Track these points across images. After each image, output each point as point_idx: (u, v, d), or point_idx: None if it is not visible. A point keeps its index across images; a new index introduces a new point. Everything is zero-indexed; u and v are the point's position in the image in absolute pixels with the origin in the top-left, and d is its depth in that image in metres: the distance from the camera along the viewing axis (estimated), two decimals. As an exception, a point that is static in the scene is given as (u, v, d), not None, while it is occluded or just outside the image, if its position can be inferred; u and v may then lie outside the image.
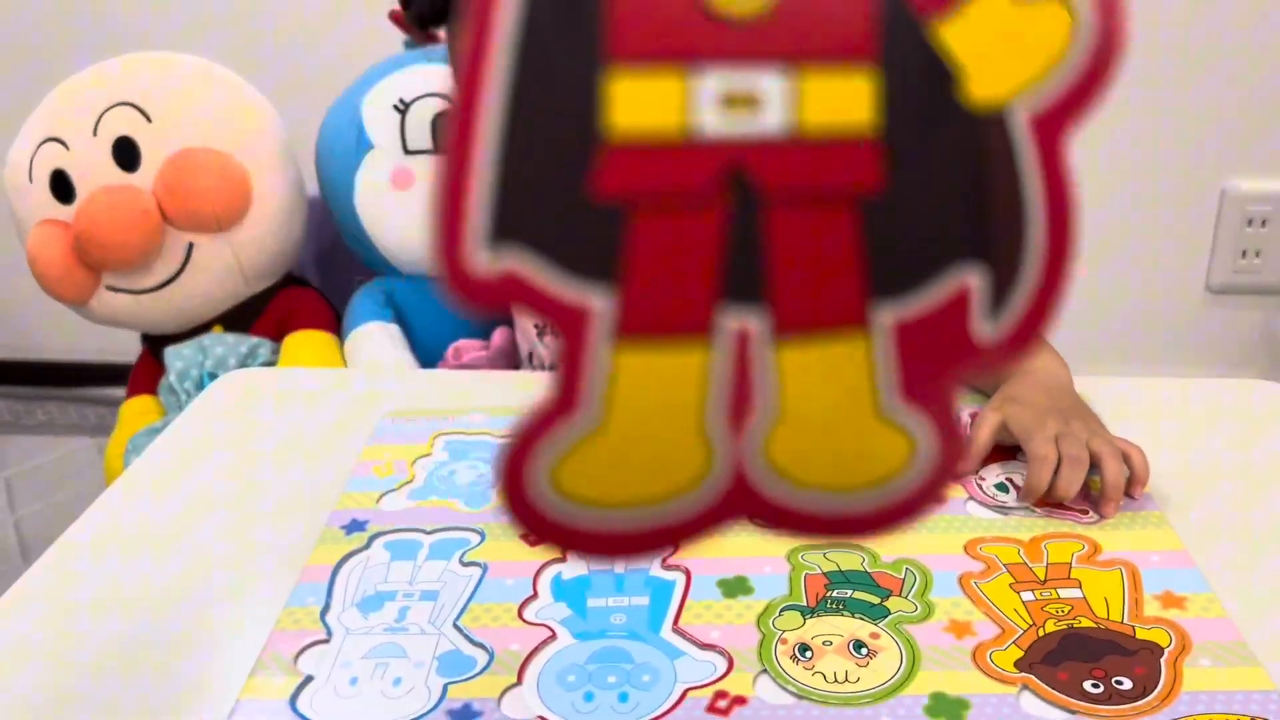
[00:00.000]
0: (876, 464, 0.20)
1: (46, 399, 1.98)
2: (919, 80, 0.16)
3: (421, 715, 0.48)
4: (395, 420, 0.72)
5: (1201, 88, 1.59)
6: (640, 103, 0.15)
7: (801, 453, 0.20)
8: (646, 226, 0.17)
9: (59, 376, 2.01)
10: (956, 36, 0.16)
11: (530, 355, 0.93)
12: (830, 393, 0.19)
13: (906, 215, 0.17)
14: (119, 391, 1.60)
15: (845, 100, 0.16)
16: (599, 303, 0.17)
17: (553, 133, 0.15)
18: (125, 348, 1.25)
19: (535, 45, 0.15)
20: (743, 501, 0.21)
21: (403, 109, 1.05)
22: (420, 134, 1.04)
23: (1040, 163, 0.18)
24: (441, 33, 1.13)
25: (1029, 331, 0.19)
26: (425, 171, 1.05)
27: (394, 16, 1.06)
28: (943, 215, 0.17)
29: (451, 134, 0.16)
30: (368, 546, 0.59)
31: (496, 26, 0.15)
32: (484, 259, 0.17)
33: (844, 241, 0.17)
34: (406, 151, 1.04)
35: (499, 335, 0.97)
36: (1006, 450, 0.65)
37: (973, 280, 0.18)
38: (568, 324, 0.18)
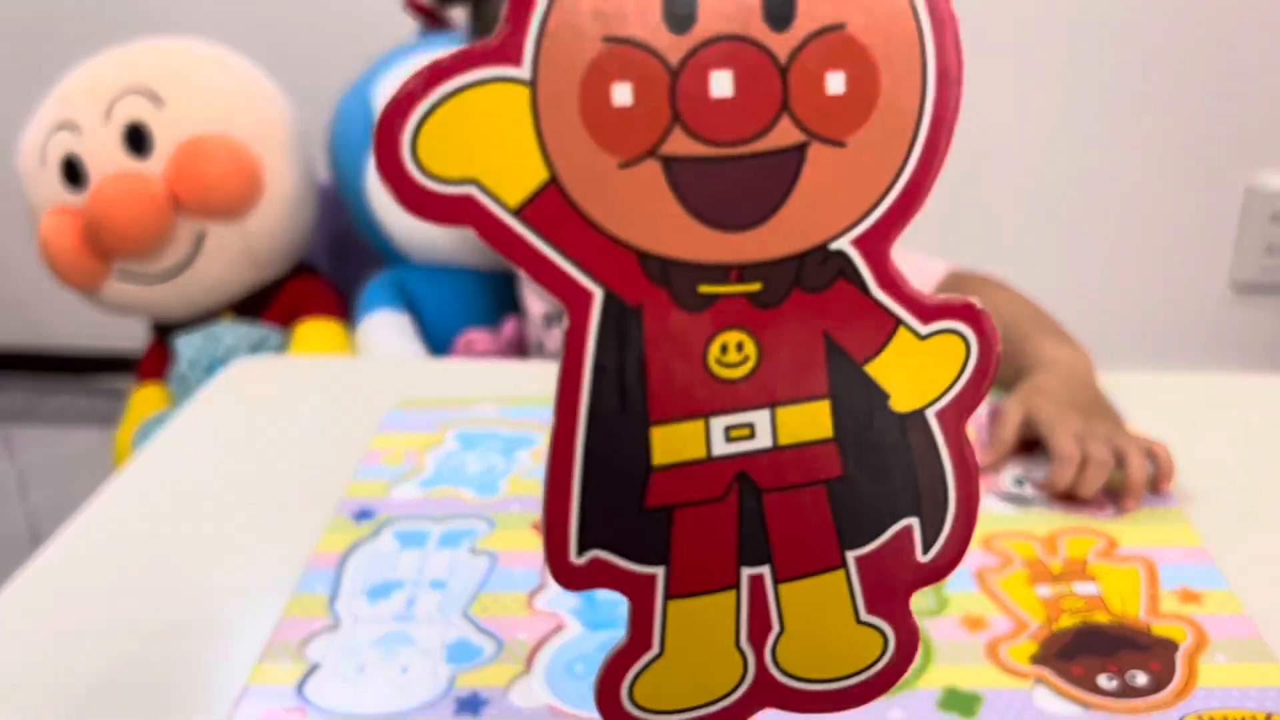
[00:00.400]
0: (860, 656, 0.30)
1: (59, 388, 2.00)
2: (859, 402, 0.25)
3: (429, 703, 0.48)
4: (406, 410, 0.72)
5: (1226, 81, 1.58)
6: (673, 443, 0.24)
7: (805, 656, 0.29)
8: (684, 520, 0.25)
9: (72, 366, 2.02)
10: (880, 370, 0.25)
11: (540, 345, 0.93)
12: (821, 613, 0.28)
13: (861, 490, 0.26)
14: (129, 381, 1.60)
15: (811, 422, 0.25)
16: (659, 574, 0.26)
17: (617, 471, 0.24)
18: (139, 337, 1.26)
19: (600, 422, 0.24)
20: (767, 695, 0.30)
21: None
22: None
23: (948, 442, 0.26)
24: (454, 15, 1.13)
25: (955, 556, 0.28)
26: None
27: (409, 3, 1.06)
28: (887, 486, 0.26)
29: (551, 478, 0.25)
30: (377, 535, 0.60)
31: (578, 410, 0.23)
32: (576, 558, 0.26)
33: (820, 513, 0.26)
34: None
35: (509, 325, 0.98)
36: (1024, 444, 0.65)
37: (912, 526, 0.27)
38: (638, 591, 0.27)
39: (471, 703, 0.48)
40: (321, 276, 1.21)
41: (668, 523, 0.25)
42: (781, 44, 0.21)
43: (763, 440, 0.25)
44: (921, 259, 0.81)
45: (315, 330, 1.12)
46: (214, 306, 1.14)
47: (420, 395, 0.74)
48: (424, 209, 0.22)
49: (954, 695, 0.48)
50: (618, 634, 0.51)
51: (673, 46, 0.21)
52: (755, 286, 0.23)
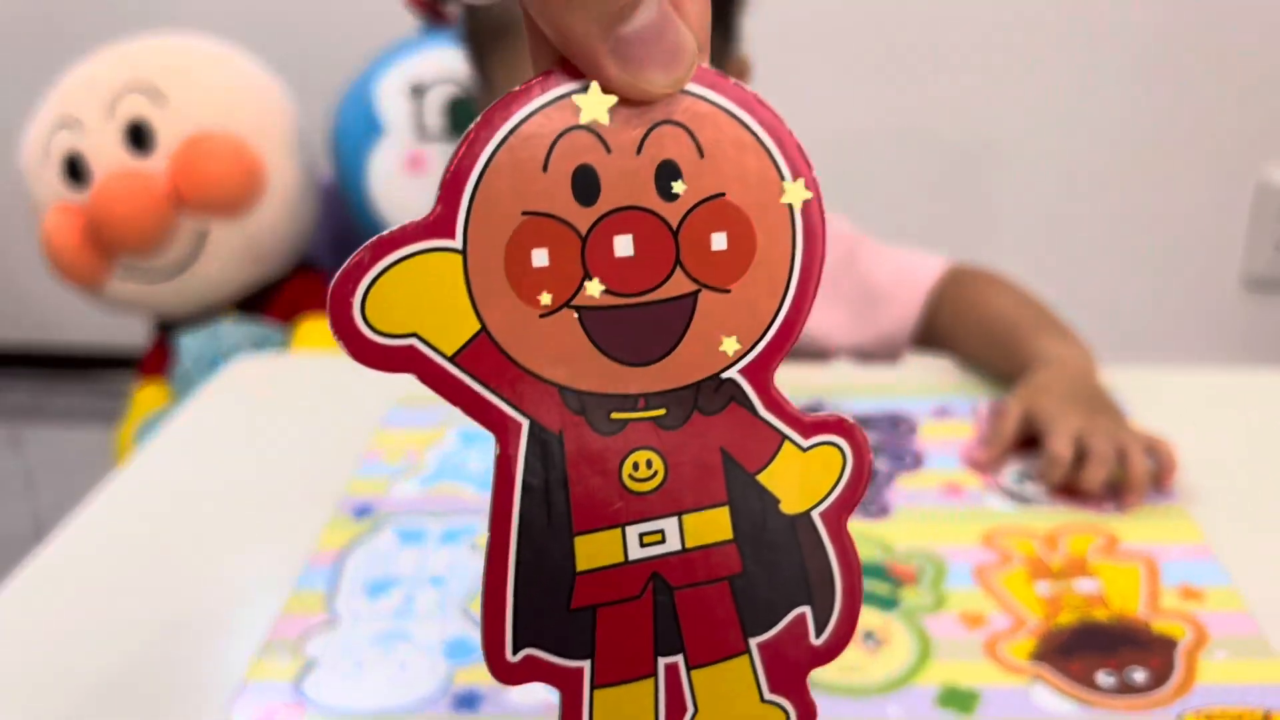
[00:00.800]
0: None
1: (66, 386, 2.01)
2: (754, 507, 0.29)
3: (427, 700, 0.49)
4: (406, 406, 0.73)
5: (1236, 75, 1.58)
6: (594, 550, 0.29)
7: None
8: (606, 618, 0.29)
9: (78, 363, 2.03)
10: (770, 479, 0.29)
11: None
12: (730, 694, 0.31)
13: (759, 583, 0.30)
14: (132, 378, 1.61)
15: (713, 526, 0.29)
16: (585, 667, 0.30)
17: (545, 577, 0.29)
18: (145, 334, 1.27)
19: (530, 535, 0.28)
20: None
21: (418, 93, 1.05)
22: (434, 118, 1.05)
23: (832, 539, 0.30)
24: (454, 11, 1.14)
25: (844, 638, 0.31)
26: (439, 156, 1.06)
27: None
28: (781, 579, 0.30)
29: (487, 586, 0.29)
30: (376, 532, 0.60)
31: (510, 525, 0.28)
32: (511, 657, 0.29)
33: (724, 605, 0.30)
34: (420, 137, 1.05)
35: None
36: (1025, 441, 0.65)
37: (805, 614, 0.30)
38: (567, 683, 0.30)
39: (469, 699, 0.48)
40: (324, 274, 1.22)
41: (592, 621, 0.29)
42: (672, 211, 0.26)
43: (672, 544, 0.29)
44: (919, 256, 0.82)
45: (317, 327, 1.13)
46: (216, 304, 1.15)
47: (421, 392, 0.74)
48: (371, 360, 0.26)
49: (952, 692, 0.48)
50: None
51: (581, 217, 0.26)
52: (660, 412, 0.28)
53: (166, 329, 1.18)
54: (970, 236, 1.76)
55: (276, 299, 1.16)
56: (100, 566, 0.60)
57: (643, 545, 0.29)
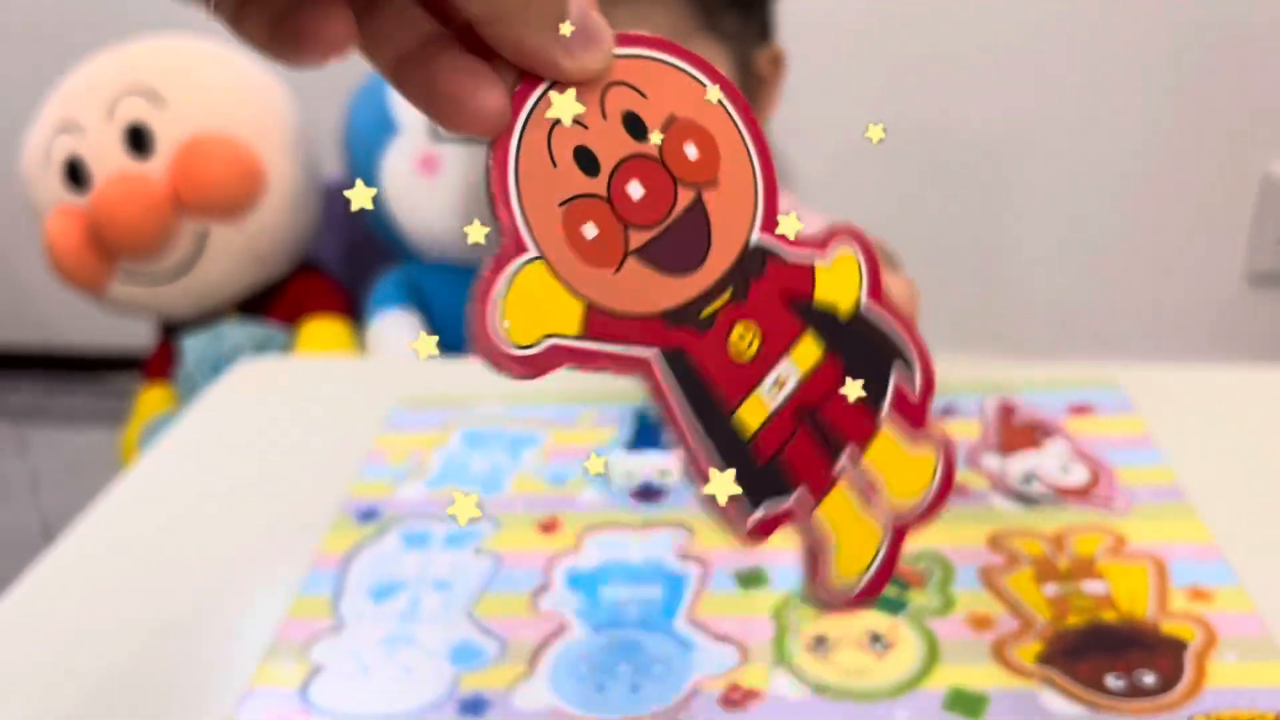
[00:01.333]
0: (925, 471, 0.38)
1: (70, 388, 2.01)
2: (826, 320, 0.36)
3: (433, 705, 0.48)
4: (411, 408, 0.73)
5: (1241, 70, 1.58)
6: (750, 416, 0.35)
7: (898, 494, 0.38)
8: (788, 456, 0.36)
9: (83, 365, 2.04)
10: (820, 295, 0.36)
11: None
12: (890, 460, 0.37)
13: (859, 368, 0.36)
14: (137, 380, 1.61)
15: (809, 350, 0.35)
16: (798, 496, 0.36)
17: (736, 454, 0.35)
18: (148, 336, 1.27)
19: (714, 433, 0.35)
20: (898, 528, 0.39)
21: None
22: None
23: (885, 311, 0.38)
24: None
25: (930, 383, 0.38)
26: (452, 157, 1.05)
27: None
28: (871, 358, 0.37)
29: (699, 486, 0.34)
30: (381, 535, 0.60)
31: (690, 436, 0.35)
32: (748, 525, 0.35)
33: (851, 400, 0.36)
34: (434, 137, 1.05)
35: None
36: (1034, 441, 0.65)
37: (901, 378, 0.37)
38: (797, 515, 0.36)
39: (475, 704, 0.48)
40: (326, 274, 1.21)
41: (779, 465, 0.35)
42: (650, 147, 0.32)
43: (793, 379, 0.35)
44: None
45: (320, 329, 1.12)
46: (219, 305, 1.15)
47: (426, 393, 0.74)
48: (532, 371, 0.31)
49: (960, 695, 0.48)
50: (621, 635, 0.51)
51: (596, 185, 0.32)
52: (728, 293, 0.34)
53: (170, 331, 1.18)
54: (979, 232, 1.76)
55: (279, 300, 1.16)
56: (106, 570, 0.60)
57: (778, 390, 0.35)
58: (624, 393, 0.73)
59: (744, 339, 0.35)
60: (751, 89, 0.78)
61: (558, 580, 0.56)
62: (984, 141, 1.69)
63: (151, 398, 1.17)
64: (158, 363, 1.20)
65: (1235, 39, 1.57)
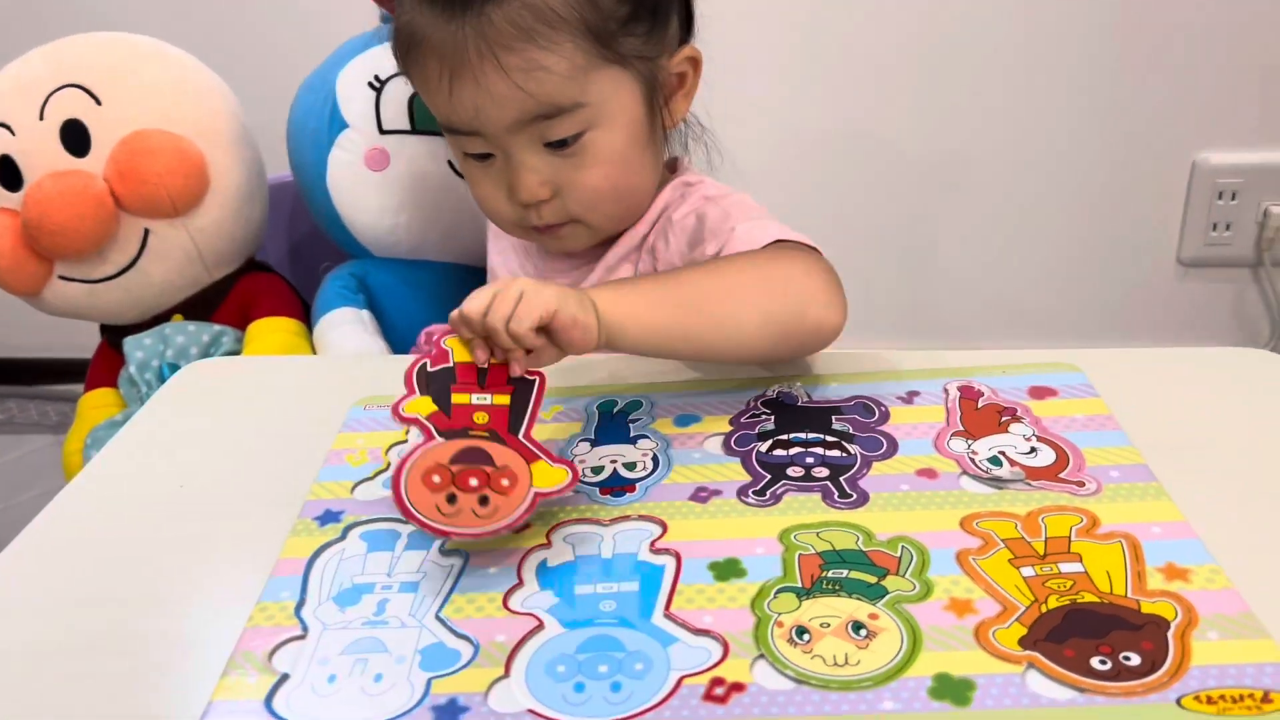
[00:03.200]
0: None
1: (6, 396, 1.94)
2: None
3: (405, 712, 0.45)
4: (368, 408, 0.69)
5: (1172, 64, 1.60)
6: None
7: None
8: None
9: (19, 373, 1.97)
10: None
11: None
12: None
13: None
14: (81, 388, 1.56)
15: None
16: None
17: None
18: (87, 342, 1.22)
19: None
20: None
21: (378, 86, 1.01)
22: (396, 113, 1.00)
23: None
24: None
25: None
26: (400, 152, 1.01)
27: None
28: None
29: None
30: (343, 538, 0.57)
31: None
32: None
33: None
34: (381, 131, 1.01)
35: None
36: (1000, 425, 0.64)
37: None
38: None
39: (449, 709, 0.46)
40: (274, 273, 1.17)
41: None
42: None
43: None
44: (762, 227, 0.72)
45: (270, 328, 1.08)
46: (163, 307, 1.10)
47: (382, 393, 0.71)
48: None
49: (946, 682, 0.46)
50: (597, 632, 0.49)
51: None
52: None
53: (113, 334, 1.13)
54: (922, 227, 1.77)
55: (225, 301, 1.11)
56: (51, 582, 0.56)
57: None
58: (585, 388, 0.71)
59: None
60: (663, 96, 0.77)
61: (529, 578, 0.53)
62: (925, 140, 1.70)
63: (93, 402, 1.12)
64: (99, 367, 1.15)
65: (1161, 37, 1.60)
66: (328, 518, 0.58)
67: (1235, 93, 1.61)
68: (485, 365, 0.57)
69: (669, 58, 0.76)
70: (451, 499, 0.52)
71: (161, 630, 0.52)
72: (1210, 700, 0.44)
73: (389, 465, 0.63)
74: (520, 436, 0.55)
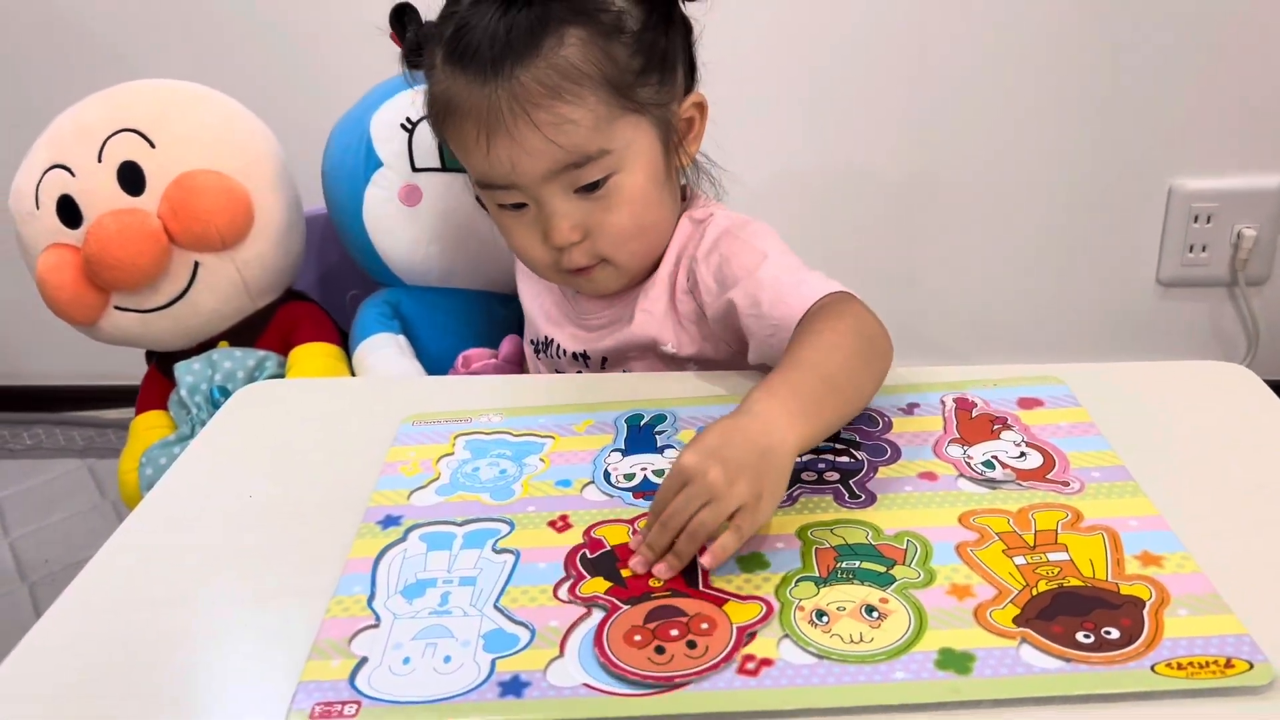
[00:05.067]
0: None
1: (34, 423, 1.98)
2: None
3: (475, 688, 0.50)
4: (416, 424, 0.75)
5: (1148, 93, 1.66)
6: None
7: None
8: None
9: (46, 401, 2.01)
10: None
11: (537, 369, 0.95)
12: None
13: None
14: (107, 413, 1.60)
15: None
16: None
17: None
18: (111, 370, 1.26)
19: None
20: None
21: (410, 128, 1.07)
22: (427, 152, 1.06)
23: None
24: None
25: None
26: (431, 188, 1.07)
27: (395, 37, 1.08)
28: None
29: None
30: (404, 539, 0.62)
31: None
32: None
33: None
34: (414, 169, 1.06)
35: (508, 343, 1.00)
36: (993, 432, 0.69)
37: None
38: None
39: (513, 685, 0.50)
40: (312, 302, 1.22)
41: None
42: None
43: None
44: (803, 281, 0.76)
45: (311, 353, 1.13)
46: (209, 334, 1.15)
47: (428, 410, 0.76)
48: None
49: (949, 655, 0.51)
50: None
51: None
52: None
53: (161, 359, 1.18)
54: (907, 247, 1.81)
55: (268, 328, 1.16)
56: (139, 587, 0.61)
57: None
58: (615, 402, 0.76)
59: None
60: (676, 138, 0.82)
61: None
62: (909, 166, 1.74)
63: (146, 424, 1.16)
64: (150, 391, 1.20)
65: (1137, 72, 1.65)
66: (389, 521, 0.63)
67: (1209, 122, 1.66)
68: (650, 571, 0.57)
69: (678, 104, 0.81)
70: (660, 650, 0.51)
71: (247, 625, 0.57)
72: (1180, 667, 0.49)
73: (439, 475, 0.68)
74: (701, 588, 0.56)
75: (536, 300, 0.93)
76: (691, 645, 0.51)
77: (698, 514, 0.56)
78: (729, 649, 0.51)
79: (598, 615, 0.55)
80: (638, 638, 0.52)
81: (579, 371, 0.87)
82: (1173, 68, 1.63)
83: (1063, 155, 1.71)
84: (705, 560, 0.55)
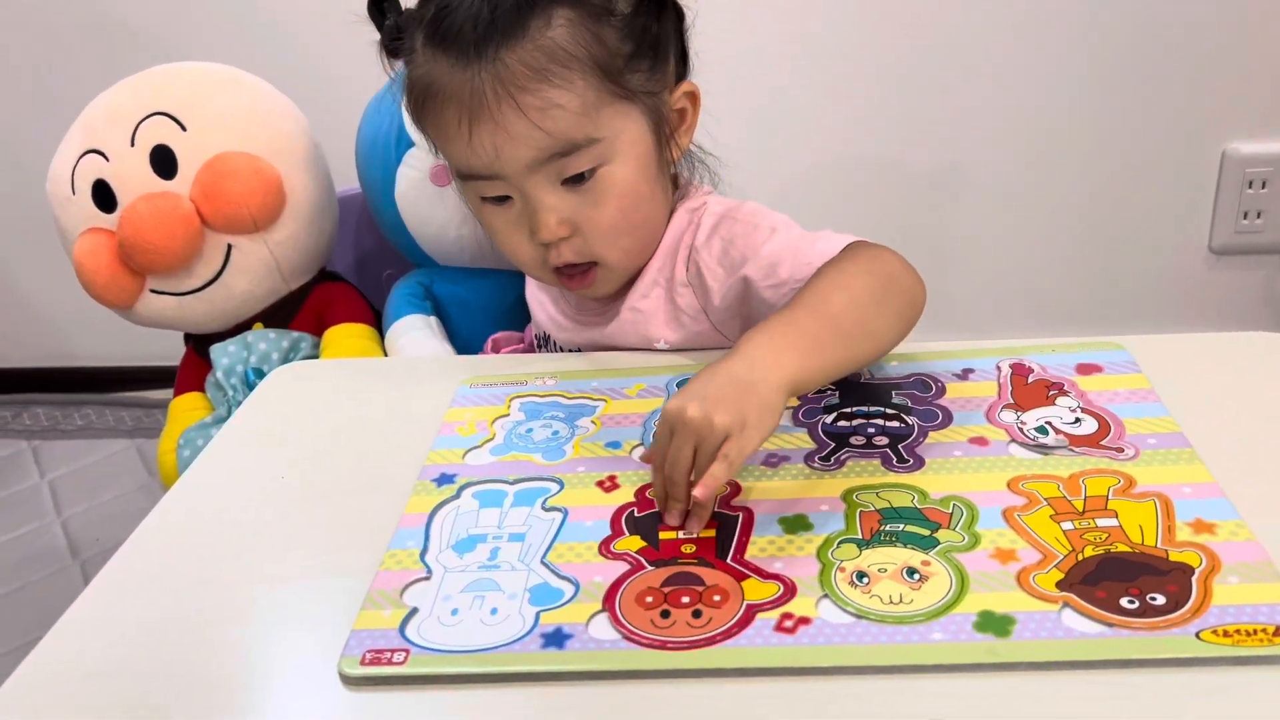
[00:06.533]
0: None
1: (83, 404, 2.06)
2: None
3: (519, 639, 0.53)
4: (473, 386, 0.78)
5: (1201, 52, 1.65)
6: None
7: None
8: None
9: (95, 382, 2.09)
10: None
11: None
12: None
13: None
14: (154, 394, 1.66)
15: None
16: None
17: None
18: (158, 352, 1.30)
19: None
20: None
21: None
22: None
23: None
24: None
25: None
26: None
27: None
28: None
29: None
30: (458, 496, 0.65)
31: None
32: None
33: None
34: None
35: (531, 328, 1.02)
36: (1046, 397, 0.69)
37: None
38: None
39: (556, 637, 0.53)
40: (345, 282, 1.25)
41: None
42: None
43: None
44: (830, 236, 0.78)
45: (345, 334, 1.16)
46: (244, 316, 1.19)
47: (484, 376, 0.79)
48: None
49: (989, 617, 0.53)
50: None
51: None
52: None
53: (198, 342, 1.22)
54: (952, 215, 1.80)
55: (302, 309, 1.20)
56: (197, 549, 0.66)
57: None
58: (666, 367, 0.78)
59: None
60: (668, 130, 0.82)
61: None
62: (954, 136, 1.74)
63: (184, 406, 1.21)
64: (187, 373, 1.24)
65: (1189, 27, 1.63)
66: (444, 480, 0.67)
67: (1264, 83, 1.65)
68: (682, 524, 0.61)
69: (670, 93, 0.81)
70: (665, 614, 0.54)
71: (304, 573, 0.61)
72: (1226, 634, 0.50)
73: (494, 435, 0.71)
74: (729, 560, 0.58)
75: (535, 296, 0.95)
76: (697, 615, 0.55)
77: (687, 453, 0.59)
78: (730, 624, 0.54)
79: (640, 570, 0.57)
80: (649, 599, 0.56)
81: None
82: (1226, 25, 1.62)
83: (1112, 119, 1.70)
84: (698, 492, 0.58)
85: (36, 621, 0.60)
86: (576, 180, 0.76)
